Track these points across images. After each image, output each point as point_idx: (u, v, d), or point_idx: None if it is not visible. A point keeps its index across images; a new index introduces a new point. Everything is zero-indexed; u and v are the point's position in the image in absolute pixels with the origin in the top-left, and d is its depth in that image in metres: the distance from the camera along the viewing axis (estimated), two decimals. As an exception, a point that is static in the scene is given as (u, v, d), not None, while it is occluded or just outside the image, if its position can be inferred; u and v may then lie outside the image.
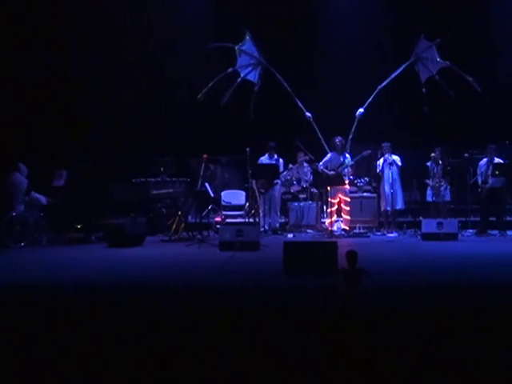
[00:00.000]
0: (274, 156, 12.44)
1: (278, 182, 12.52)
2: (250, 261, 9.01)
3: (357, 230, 12.12)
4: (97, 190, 11.77)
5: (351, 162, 12.23)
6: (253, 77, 12.86)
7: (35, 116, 13.29)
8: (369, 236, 11.93)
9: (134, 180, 12.33)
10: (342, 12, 13.95)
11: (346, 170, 12.21)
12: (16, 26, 13.03)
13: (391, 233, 12.10)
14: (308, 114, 12.68)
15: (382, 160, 12.26)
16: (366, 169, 13.34)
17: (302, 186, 13.01)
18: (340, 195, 12.10)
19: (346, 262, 6.15)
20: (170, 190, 12.36)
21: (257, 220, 12.31)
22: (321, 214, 12.83)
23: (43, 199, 11.32)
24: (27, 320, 5.36)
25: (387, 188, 12.22)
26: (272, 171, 12.22)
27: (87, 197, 11.52)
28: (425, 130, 13.32)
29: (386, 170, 12.22)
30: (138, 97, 13.95)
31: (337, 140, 12.13)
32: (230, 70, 12.68)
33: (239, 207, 12.89)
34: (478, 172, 11.97)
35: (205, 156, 12.03)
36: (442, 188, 12.11)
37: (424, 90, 12.49)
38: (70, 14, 13.40)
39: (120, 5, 13.41)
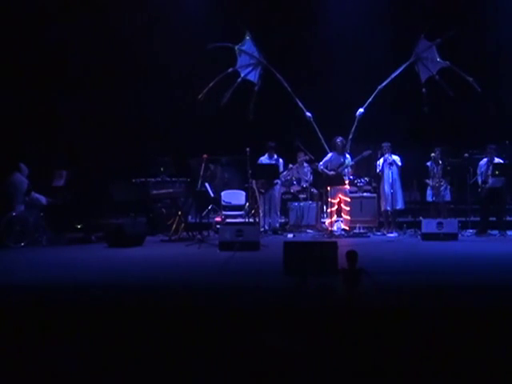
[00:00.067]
0: (273, 156, 12.44)
1: (278, 182, 12.52)
2: (250, 261, 9.01)
3: (357, 230, 12.12)
4: (97, 190, 11.78)
5: (351, 163, 12.23)
6: (253, 77, 12.87)
7: (35, 116, 13.29)
8: (369, 236, 11.93)
9: (133, 180, 12.34)
10: (342, 12, 13.93)
11: (346, 170, 12.21)
12: (16, 25, 13.04)
13: (391, 233, 12.11)
14: (308, 113, 12.68)
15: (381, 160, 12.26)
16: (366, 169, 13.34)
17: (302, 186, 13.01)
18: (340, 195, 12.10)
19: (346, 262, 6.15)
20: (170, 190, 12.37)
21: (257, 220, 12.31)
22: (321, 213, 12.83)
23: (43, 199, 11.32)
24: (27, 320, 5.36)
25: (387, 188, 12.22)
26: (272, 171, 12.22)
27: (87, 197, 11.53)
28: (425, 130, 13.33)
29: (386, 170, 12.22)
30: (138, 97, 13.95)
31: (338, 140, 12.12)
32: (230, 69, 12.70)
33: (239, 207, 12.89)
34: (478, 172, 11.97)
35: (205, 156, 12.03)
36: (442, 188, 12.11)
37: (424, 89, 12.50)
38: (71, 14, 13.39)
39: (120, 4, 13.41)
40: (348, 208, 12.14)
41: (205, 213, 12.04)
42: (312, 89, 13.29)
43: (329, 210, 12.08)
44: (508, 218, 12.47)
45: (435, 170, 12.10)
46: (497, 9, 13.69)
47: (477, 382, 4.25)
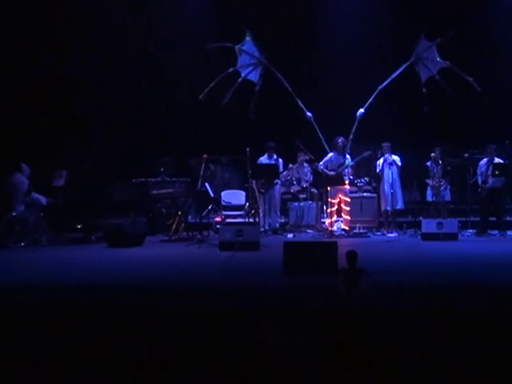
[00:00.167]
0: (273, 156, 12.44)
1: (278, 182, 12.52)
2: (250, 261, 9.00)
3: (357, 230, 12.12)
4: (97, 189, 11.77)
5: (351, 163, 12.23)
6: (253, 77, 12.86)
7: (35, 116, 13.29)
8: (369, 236, 11.93)
9: (133, 180, 12.33)
10: (342, 12, 13.96)
11: (346, 170, 12.21)
12: (16, 25, 13.04)
13: (391, 233, 12.11)
14: (309, 113, 12.68)
15: (381, 160, 12.27)
16: (366, 169, 13.34)
17: (302, 186, 13.01)
18: (340, 195, 12.10)
19: (346, 262, 6.15)
20: (170, 190, 12.36)
21: (257, 220, 12.31)
22: (321, 213, 12.83)
23: (43, 200, 11.32)
24: (27, 320, 5.36)
25: (387, 188, 12.22)
26: (272, 171, 12.22)
27: (87, 197, 11.51)
28: (425, 130, 13.32)
29: (386, 170, 12.23)
30: (138, 97, 13.96)
31: (339, 140, 12.12)
32: (230, 69, 12.69)
33: (239, 207, 12.90)
34: (478, 172, 11.97)
35: (205, 156, 12.03)
36: (442, 188, 12.11)
37: (424, 90, 12.50)
38: (70, 14, 13.40)
39: (120, 4, 13.41)
40: (348, 208, 12.14)
41: (205, 213, 12.04)
42: (312, 89, 13.30)
43: (329, 210, 12.08)
44: (508, 218, 12.47)
45: (435, 169, 12.10)
46: (497, 8, 13.69)
47: (477, 381, 4.25)
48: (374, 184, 13.05)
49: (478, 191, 11.99)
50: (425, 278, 7.27)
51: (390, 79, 12.62)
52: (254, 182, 12.33)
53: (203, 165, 11.88)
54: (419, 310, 5.59)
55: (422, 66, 12.69)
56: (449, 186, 12.21)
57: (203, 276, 7.81)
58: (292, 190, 13.10)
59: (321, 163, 12.21)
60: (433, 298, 6.11)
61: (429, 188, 12.21)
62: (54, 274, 8.01)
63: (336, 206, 12.07)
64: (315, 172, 12.70)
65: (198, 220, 11.91)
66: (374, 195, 12.80)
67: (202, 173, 11.78)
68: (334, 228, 11.92)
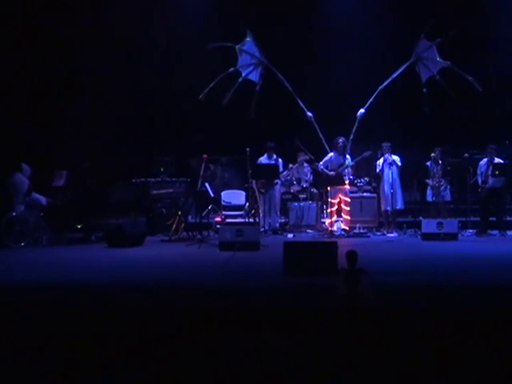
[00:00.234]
0: (272, 156, 12.43)
1: (278, 182, 12.52)
2: (250, 261, 9.01)
3: (357, 230, 12.11)
4: (97, 189, 11.77)
5: (352, 163, 12.23)
6: (254, 76, 12.86)
7: (36, 116, 13.29)
8: (369, 236, 11.93)
9: (133, 180, 12.34)
10: (342, 12, 13.95)
11: (346, 170, 12.21)
12: (17, 26, 13.04)
13: (391, 233, 12.11)
14: (309, 113, 12.67)
15: (381, 160, 12.26)
16: (366, 169, 13.34)
17: (302, 186, 13.01)
18: (340, 195, 12.09)
19: (346, 262, 6.15)
20: (170, 190, 12.37)
21: (257, 220, 12.31)
22: (321, 213, 12.83)
23: (43, 199, 11.31)
24: (27, 320, 5.36)
25: (387, 188, 12.22)
26: (272, 171, 12.22)
27: (87, 197, 11.51)
28: (425, 130, 13.33)
29: (386, 170, 12.23)
30: (138, 96, 13.95)
31: (340, 140, 12.11)
32: (231, 69, 12.69)
33: (239, 207, 12.89)
34: (478, 172, 11.97)
35: (205, 156, 12.03)
36: (442, 188, 12.11)
37: (425, 89, 12.50)
38: (71, 15, 13.39)
39: (120, 5, 13.40)
40: (348, 208, 12.13)
41: (205, 213, 12.03)
42: (313, 89, 13.30)
43: (329, 210, 12.08)
44: (508, 218, 12.46)
45: (435, 169, 12.10)
46: (497, 8, 13.68)
47: (477, 381, 4.25)
48: (374, 184, 13.05)
49: (478, 191, 11.99)
50: (425, 278, 7.27)
51: (390, 79, 12.62)
52: (253, 182, 12.33)
53: (203, 165, 11.88)
54: (419, 310, 5.59)
55: (423, 66, 12.69)
56: (449, 186, 12.21)
57: (203, 276, 7.81)
58: (292, 190, 13.09)
59: (321, 163, 12.20)
60: (433, 298, 6.11)
61: (429, 188, 12.21)
62: (54, 274, 8.01)
63: (336, 206, 12.06)
64: (315, 172, 12.70)
65: (197, 220, 11.90)
66: (374, 195, 12.80)
67: (202, 173, 11.78)
68: (334, 228, 11.92)
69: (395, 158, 12.24)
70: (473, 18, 13.25)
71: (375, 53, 13.60)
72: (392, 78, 12.62)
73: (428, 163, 12.19)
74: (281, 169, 12.54)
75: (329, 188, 12.14)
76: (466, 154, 12.36)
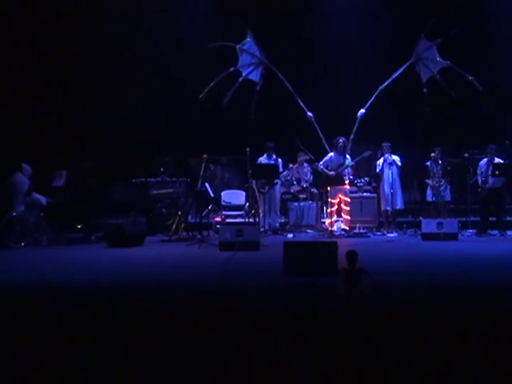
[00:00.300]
0: (272, 156, 12.43)
1: (278, 181, 12.52)
2: (250, 261, 9.00)
3: (357, 230, 12.11)
4: (97, 189, 11.77)
5: (351, 163, 12.23)
6: (254, 76, 12.87)
7: (36, 116, 13.29)
8: (369, 236, 11.93)
9: (133, 180, 12.34)
10: (343, 12, 13.95)
11: (346, 170, 12.21)
12: (18, 25, 13.04)
13: (391, 233, 12.11)
14: (309, 113, 12.67)
15: (381, 160, 12.27)
16: (366, 169, 13.34)
17: (302, 186, 13.01)
18: (340, 195, 12.09)
19: (346, 262, 6.15)
20: (170, 190, 12.37)
21: (257, 220, 12.31)
22: (321, 213, 12.83)
23: (43, 199, 11.31)
24: (27, 320, 5.36)
25: (387, 188, 12.22)
26: (272, 171, 12.22)
27: (87, 197, 11.51)
28: (425, 130, 13.32)
29: (386, 170, 12.23)
30: (138, 96, 13.94)
31: (340, 140, 12.11)
32: (231, 69, 12.69)
33: (239, 207, 12.89)
34: (478, 172, 11.97)
35: (205, 156, 12.03)
36: (442, 188, 12.11)
37: (425, 90, 12.50)
38: (71, 14, 13.39)
39: (121, 5, 13.41)
40: (348, 208, 12.13)
41: (205, 213, 12.04)
42: (313, 89, 13.30)
43: (329, 210, 12.08)
44: (508, 218, 12.46)
45: (435, 169, 12.10)
46: (497, 8, 13.68)
47: (477, 381, 4.24)
48: (373, 184, 13.05)
49: (478, 191, 11.99)
50: (425, 278, 7.27)
51: (390, 79, 12.62)
52: (253, 182, 12.33)
53: (203, 165, 11.88)
54: (419, 310, 5.59)
55: (423, 66, 12.70)
56: (449, 186, 12.21)
57: (203, 276, 7.81)
58: (292, 190, 13.09)
59: (321, 163, 12.20)
60: (433, 298, 6.11)
61: (429, 188, 12.22)
62: (54, 274, 8.01)
63: (336, 206, 12.07)
64: (315, 172, 12.70)
65: (198, 220, 11.90)
66: (374, 195, 12.80)
67: (202, 173, 11.78)
68: (334, 228, 11.92)
69: (395, 157, 12.24)
70: (473, 18, 13.25)
71: (375, 53, 13.60)
72: (392, 79, 12.62)
73: (428, 163, 12.19)
74: (280, 169, 12.54)
75: (329, 188, 12.14)
76: (466, 154, 12.36)
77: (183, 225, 11.76)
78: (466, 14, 13.16)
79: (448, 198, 12.27)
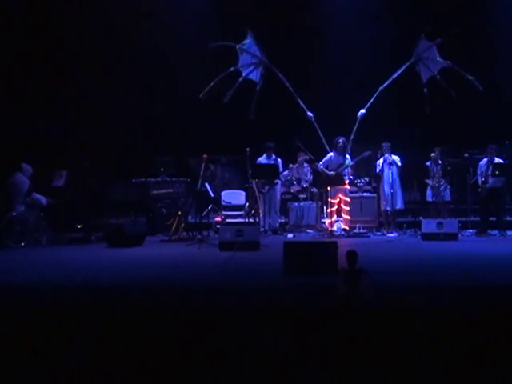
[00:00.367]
0: (272, 156, 12.43)
1: (279, 181, 12.52)
2: (250, 261, 9.00)
3: (357, 230, 12.12)
4: (97, 189, 11.77)
5: (351, 163, 12.23)
6: (255, 76, 12.87)
7: (36, 116, 13.29)
8: (369, 236, 11.93)
9: (133, 180, 12.34)
10: (343, 12, 13.95)
11: (346, 170, 12.21)
12: (18, 25, 13.04)
13: (391, 233, 12.11)
14: (310, 113, 12.67)
15: (381, 160, 12.27)
16: (365, 169, 13.34)
17: (302, 186, 13.01)
18: (340, 195, 12.10)
19: (346, 262, 6.15)
20: (170, 190, 12.37)
21: (257, 220, 12.31)
22: (321, 213, 12.83)
23: (43, 199, 11.31)
24: (27, 320, 5.36)
25: (387, 188, 12.22)
26: (272, 171, 12.22)
27: (87, 197, 11.51)
28: (425, 130, 13.32)
29: (386, 170, 12.23)
30: (138, 96, 13.94)
31: (340, 140, 12.11)
32: (231, 69, 12.70)
33: (239, 207, 12.90)
34: (478, 172, 11.97)
35: (205, 156, 12.03)
36: (442, 188, 12.11)
37: (425, 90, 12.50)
38: (71, 14, 13.40)
39: (121, 5, 13.41)
40: (348, 208, 12.14)
41: (205, 213, 12.03)
42: (313, 89, 13.30)
43: (329, 210, 12.08)
44: (508, 218, 12.47)
45: (435, 169, 12.10)
46: (497, 8, 13.68)
47: (477, 381, 4.24)
48: (373, 184, 13.05)
49: (478, 191, 12.00)
50: (425, 278, 7.27)
51: (390, 79, 12.63)
52: (253, 182, 12.33)
53: (203, 165, 11.89)
54: (419, 310, 5.59)
55: (423, 66, 12.70)
56: (448, 186, 12.21)
57: (203, 276, 7.80)
58: (292, 190, 13.09)
59: (321, 163, 12.20)
60: (433, 298, 6.11)
61: (429, 188, 12.22)
62: (54, 274, 8.00)
63: (336, 206, 12.07)
64: (315, 172, 12.70)
65: (198, 220, 11.90)
66: (374, 195, 12.80)
67: (202, 173, 11.78)
68: (334, 228, 11.92)
69: (395, 157, 12.24)
70: (473, 18, 13.24)
71: (375, 53, 13.60)
72: (392, 79, 12.63)
73: (428, 163, 12.19)
74: (280, 169, 12.54)
75: (329, 188, 12.14)
76: (466, 154, 12.36)
77: (183, 225, 11.76)
78: (466, 14, 13.15)
79: (448, 198, 12.27)
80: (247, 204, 12.70)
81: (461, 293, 6.37)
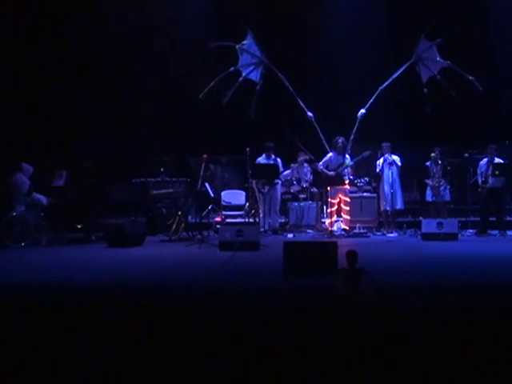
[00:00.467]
0: (271, 156, 12.42)
1: (279, 181, 12.52)
2: (250, 261, 9.00)
3: (357, 230, 12.12)
4: (97, 189, 11.77)
5: (351, 163, 12.23)
6: (255, 76, 12.87)
7: (36, 116, 13.29)
8: (369, 236, 11.93)
9: (133, 180, 12.34)
10: (342, 12, 13.96)
11: (346, 170, 12.21)
12: (18, 24, 13.04)
13: (391, 233, 12.11)
14: (310, 113, 12.68)
15: (381, 160, 12.27)
16: (365, 169, 13.34)
17: (302, 186, 13.01)
18: (340, 195, 12.10)
19: (346, 262, 6.15)
20: (170, 190, 12.37)
21: (257, 220, 12.31)
22: (321, 213, 12.83)
23: (44, 199, 11.32)
24: (27, 320, 5.36)
25: (387, 188, 12.22)
26: (272, 171, 12.22)
27: (87, 197, 11.51)
28: (425, 130, 13.32)
29: (386, 170, 12.23)
30: (138, 96, 13.94)
31: (340, 140, 12.11)
32: (231, 69, 12.70)
33: (239, 207, 12.90)
34: (478, 172, 11.97)
35: (205, 156, 12.03)
36: (442, 188, 12.11)
37: (425, 90, 12.50)
38: (72, 14, 13.39)
39: (121, 4, 13.41)
40: (348, 208, 12.14)
41: (205, 213, 12.03)
42: (313, 89, 13.30)
43: (329, 210, 12.08)
44: (508, 218, 12.47)
45: (435, 170, 12.10)
46: (497, 8, 13.68)
47: (477, 381, 4.24)
48: (373, 184, 13.05)
49: (478, 191, 12.00)
50: (425, 278, 7.27)
51: (390, 79, 12.63)
52: (253, 182, 12.33)
53: (203, 165, 11.89)
54: (419, 310, 5.59)
55: (423, 66, 12.70)
56: (448, 186, 12.21)
57: (203, 276, 7.80)
58: (292, 190, 13.09)
59: (321, 163, 12.20)
60: (433, 298, 6.11)
61: (428, 188, 12.22)
62: (54, 274, 8.01)
63: (336, 206, 12.07)
64: (315, 172, 12.70)
65: (198, 220, 11.90)
66: (374, 195, 12.80)
67: (202, 173, 11.78)
68: (334, 228, 11.92)
69: (395, 157, 12.24)
70: (473, 18, 13.25)
71: (375, 53, 13.60)
72: (392, 79, 12.63)
73: (428, 163, 12.19)
74: (280, 169, 12.54)
75: (329, 188, 12.14)
76: (466, 154, 12.37)
77: (183, 225, 11.76)
78: (466, 14, 13.16)
79: (448, 198, 12.27)
80: (247, 204, 12.70)
81: (461, 293, 6.37)
